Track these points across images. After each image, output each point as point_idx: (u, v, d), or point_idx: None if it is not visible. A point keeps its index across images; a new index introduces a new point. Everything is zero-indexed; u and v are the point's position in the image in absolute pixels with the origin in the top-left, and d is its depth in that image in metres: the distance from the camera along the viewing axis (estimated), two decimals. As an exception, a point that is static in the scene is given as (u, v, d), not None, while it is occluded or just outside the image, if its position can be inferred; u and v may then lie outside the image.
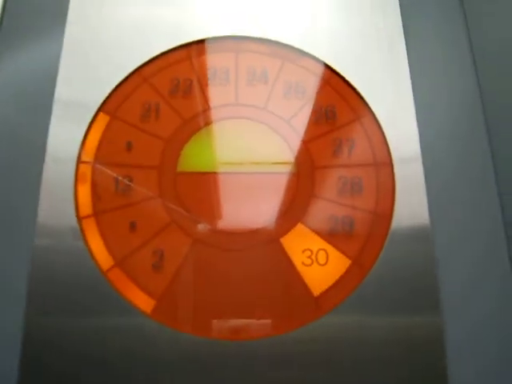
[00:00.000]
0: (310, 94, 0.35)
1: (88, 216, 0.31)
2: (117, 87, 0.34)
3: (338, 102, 0.35)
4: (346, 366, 0.29)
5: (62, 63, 0.34)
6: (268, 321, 0.30)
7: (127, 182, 0.32)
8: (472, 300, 0.30)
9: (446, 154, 0.34)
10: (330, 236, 0.31)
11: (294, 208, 0.32)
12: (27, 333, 0.28)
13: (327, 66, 0.35)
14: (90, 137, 0.33)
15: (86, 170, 0.32)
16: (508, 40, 0.37)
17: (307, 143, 0.34)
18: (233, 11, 0.37)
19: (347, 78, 0.35)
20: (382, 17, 0.37)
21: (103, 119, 0.33)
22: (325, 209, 0.32)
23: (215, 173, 0.33)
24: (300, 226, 0.32)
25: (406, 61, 0.35)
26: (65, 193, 0.31)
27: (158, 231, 0.31)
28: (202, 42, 0.36)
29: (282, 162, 0.33)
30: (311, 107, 0.35)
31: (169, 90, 0.35)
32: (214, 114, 0.34)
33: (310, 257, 0.31)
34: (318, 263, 0.31)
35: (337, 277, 0.31)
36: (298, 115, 0.34)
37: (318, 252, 0.31)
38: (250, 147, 0.34)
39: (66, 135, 0.33)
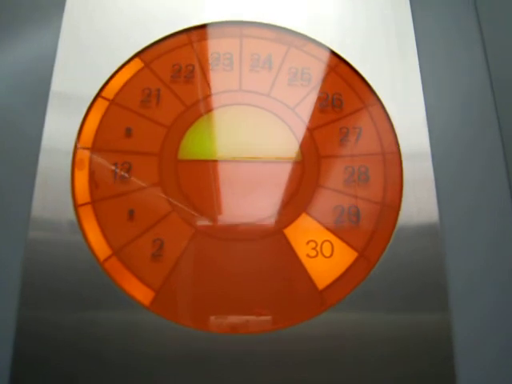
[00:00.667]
0: (316, 81, 0.34)
1: (85, 204, 0.30)
2: (116, 72, 0.33)
3: (344, 90, 0.34)
4: (349, 362, 0.28)
5: (60, 50, 0.33)
6: (270, 315, 0.29)
7: (126, 170, 0.31)
8: (480, 296, 0.30)
9: (455, 144, 0.33)
10: (336, 227, 0.30)
11: (299, 198, 0.31)
12: (20, 326, 0.27)
13: (334, 53, 0.35)
14: (87, 123, 0.32)
15: (83, 156, 0.31)
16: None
17: (312, 131, 0.33)
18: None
19: (354, 65, 0.34)
20: (391, 4, 0.36)
21: (102, 105, 0.33)
22: (330, 199, 0.31)
23: (217, 161, 0.32)
24: (304, 217, 0.31)
25: (415, 49, 0.35)
26: (61, 180, 0.30)
27: (158, 220, 0.30)
28: (204, 26, 0.35)
29: (286, 151, 0.32)
30: (317, 94, 0.34)
31: (170, 76, 0.34)
32: (217, 100, 0.33)
33: (314, 248, 0.30)
34: (322, 255, 0.30)
35: (342, 270, 0.30)
36: (303, 102, 0.33)
37: (322, 244, 0.30)
38: (252, 135, 0.33)
39: (64, 122, 0.32)
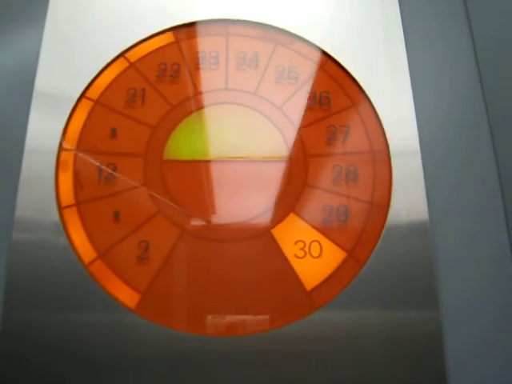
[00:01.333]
0: (304, 79, 0.34)
1: (69, 206, 0.30)
2: (100, 72, 0.33)
3: (332, 88, 0.33)
4: (338, 362, 0.27)
5: (44, 49, 0.33)
6: (257, 316, 0.28)
7: (111, 171, 0.31)
8: (470, 295, 0.29)
9: (444, 142, 0.33)
10: (324, 227, 0.30)
11: (286, 197, 0.31)
12: (4, 329, 0.27)
13: (322, 51, 0.34)
14: (72, 124, 0.32)
15: (67, 157, 0.31)
16: (509, 26, 0.36)
17: (300, 130, 0.32)
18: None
19: (342, 63, 0.34)
20: (380, 2, 0.36)
21: (86, 105, 0.32)
22: (318, 198, 0.31)
23: (203, 161, 0.31)
24: (292, 217, 0.30)
25: (404, 46, 0.34)
26: (45, 182, 0.30)
27: (144, 221, 0.30)
28: (190, 25, 0.35)
29: (273, 150, 0.32)
30: (304, 93, 0.33)
31: (156, 75, 0.33)
32: (203, 99, 0.33)
33: (302, 249, 0.30)
34: (311, 255, 0.30)
35: (331, 270, 0.29)
36: (290, 101, 0.33)
37: (311, 244, 0.30)
38: (239, 134, 0.32)
39: (48, 122, 0.31)
